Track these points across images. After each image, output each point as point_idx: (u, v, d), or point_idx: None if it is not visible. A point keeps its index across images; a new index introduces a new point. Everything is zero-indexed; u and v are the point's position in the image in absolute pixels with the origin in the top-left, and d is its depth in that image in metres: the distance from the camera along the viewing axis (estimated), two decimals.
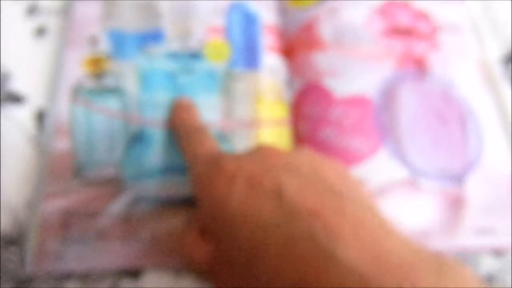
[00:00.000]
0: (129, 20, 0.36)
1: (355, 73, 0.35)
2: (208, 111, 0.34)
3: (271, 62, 0.36)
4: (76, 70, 0.34)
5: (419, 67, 0.36)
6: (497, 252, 0.31)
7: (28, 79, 0.35)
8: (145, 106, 0.34)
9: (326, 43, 0.36)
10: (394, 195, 0.32)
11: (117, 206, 0.31)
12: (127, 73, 0.35)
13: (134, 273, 0.30)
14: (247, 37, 0.37)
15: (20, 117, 0.34)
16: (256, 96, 0.34)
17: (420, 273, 0.19)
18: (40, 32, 0.37)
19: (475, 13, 0.38)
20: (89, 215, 0.30)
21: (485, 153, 0.33)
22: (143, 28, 0.36)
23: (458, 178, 0.32)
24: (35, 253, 0.29)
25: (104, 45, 0.35)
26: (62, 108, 0.33)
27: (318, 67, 0.35)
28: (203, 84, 0.34)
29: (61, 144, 0.32)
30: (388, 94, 0.35)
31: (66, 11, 0.37)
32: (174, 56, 0.35)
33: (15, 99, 0.34)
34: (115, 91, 0.34)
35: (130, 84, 0.34)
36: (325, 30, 0.37)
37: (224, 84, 0.35)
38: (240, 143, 0.33)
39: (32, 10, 0.38)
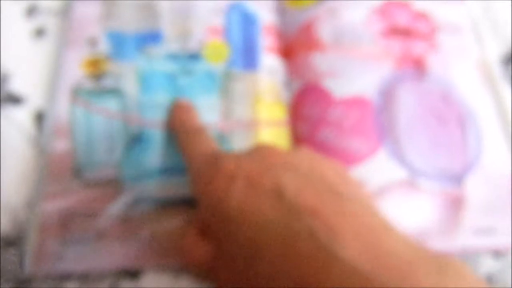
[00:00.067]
0: (129, 20, 0.36)
1: (354, 73, 0.35)
2: (207, 112, 0.34)
3: (270, 63, 0.36)
4: (75, 70, 0.35)
5: (418, 67, 0.36)
6: (497, 253, 0.31)
7: (27, 80, 0.35)
8: (145, 107, 0.34)
9: (325, 44, 0.36)
10: (393, 196, 0.32)
11: (117, 206, 0.31)
12: (126, 74, 0.35)
13: (133, 274, 0.30)
14: (246, 37, 0.37)
15: (19, 118, 0.34)
16: (255, 96, 0.34)
17: (420, 271, 0.19)
18: (40, 32, 0.37)
19: (475, 13, 0.38)
20: (89, 215, 0.30)
21: (485, 153, 0.33)
22: (142, 29, 0.36)
23: (457, 179, 0.32)
24: (34, 253, 0.29)
25: (104, 46, 0.35)
26: (62, 109, 0.33)
27: (317, 68, 0.35)
28: (202, 85, 0.34)
29: (61, 145, 0.32)
30: (387, 95, 0.34)
31: (65, 11, 0.37)
32: (173, 57, 0.35)
33: (15, 99, 0.34)
34: (115, 92, 0.34)
35: (130, 85, 0.34)
36: (324, 30, 0.37)
37: (223, 84, 0.35)
38: (239, 144, 0.33)
39: (31, 11, 0.38)
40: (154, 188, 0.31)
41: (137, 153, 0.32)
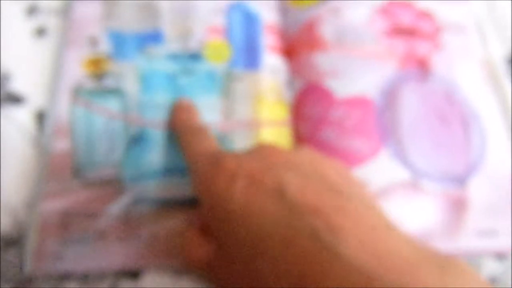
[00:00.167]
0: (129, 20, 0.36)
1: (356, 73, 0.35)
2: (208, 112, 0.34)
3: (272, 62, 0.36)
4: (76, 70, 0.34)
5: (422, 67, 0.35)
6: (500, 255, 0.31)
7: (28, 80, 0.35)
8: (145, 107, 0.34)
9: (327, 43, 0.36)
10: (396, 197, 0.31)
11: (117, 206, 0.31)
12: (127, 74, 0.35)
13: (133, 274, 0.30)
14: (247, 37, 0.36)
15: (20, 118, 0.34)
16: (257, 96, 0.34)
17: (423, 271, 0.18)
18: (40, 32, 0.37)
19: (478, 13, 0.38)
20: (89, 215, 0.30)
21: (488, 154, 0.33)
22: (143, 29, 0.36)
23: (460, 180, 0.32)
24: (34, 253, 0.29)
25: (104, 46, 0.35)
26: (62, 109, 0.33)
27: (319, 68, 0.35)
28: (203, 85, 0.34)
29: (61, 145, 0.32)
30: (390, 95, 0.34)
31: (66, 11, 0.37)
32: (174, 57, 0.35)
33: (15, 99, 0.34)
34: (115, 92, 0.34)
35: (130, 85, 0.34)
36: (326, 30, 0.37)
37: (224, 84, 0.35)
38: (241, 144, 0.33)
39: (32, 10, 0.38)
40: (155, 188, 0.31)
41: (137, 153, 0.32)
